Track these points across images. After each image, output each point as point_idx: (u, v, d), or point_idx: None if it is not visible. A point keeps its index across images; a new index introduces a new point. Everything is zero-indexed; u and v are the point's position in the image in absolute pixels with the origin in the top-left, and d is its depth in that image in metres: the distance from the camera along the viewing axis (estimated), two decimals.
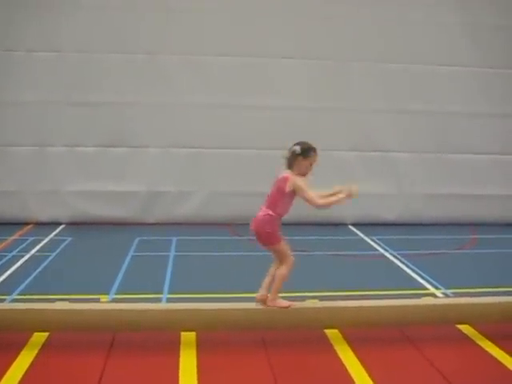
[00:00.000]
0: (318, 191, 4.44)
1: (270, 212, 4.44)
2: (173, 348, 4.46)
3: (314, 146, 4.48)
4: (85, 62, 9.25)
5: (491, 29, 9.92)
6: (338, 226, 9.51)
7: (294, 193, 4.42)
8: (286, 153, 4.49)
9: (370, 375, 4.11)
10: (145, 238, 8.57)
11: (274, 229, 4.45)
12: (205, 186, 9.64)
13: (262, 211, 4.49)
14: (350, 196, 4.43)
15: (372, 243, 8.55)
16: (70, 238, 8.41)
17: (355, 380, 4.04)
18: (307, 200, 4.37)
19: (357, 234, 9.22)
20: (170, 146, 9.57)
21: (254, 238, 4.56)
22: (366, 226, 9.62)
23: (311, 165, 4.47)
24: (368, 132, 9.61)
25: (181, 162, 9.58)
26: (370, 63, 9.73)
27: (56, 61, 9.21)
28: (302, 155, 4.43)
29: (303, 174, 4.46)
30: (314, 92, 9.64)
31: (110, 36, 9.25)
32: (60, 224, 9.31)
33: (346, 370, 4.20)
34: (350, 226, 9.75)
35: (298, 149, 4.43)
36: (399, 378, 4.12)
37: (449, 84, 9.93)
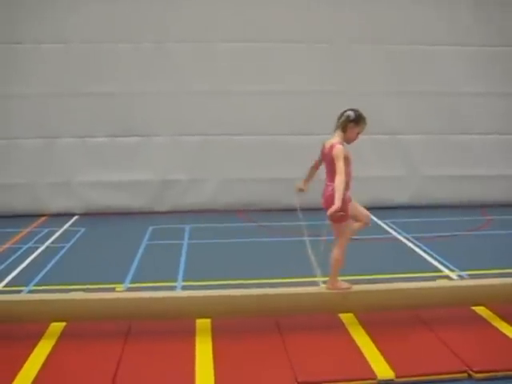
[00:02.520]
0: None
1: (334, 183, 4.35)
2: (188, 335, 4.49)
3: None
4: (92, 52, 9.23)
5: (495, 6, 9.75)
6: None
7: (348, 161, 4.40)
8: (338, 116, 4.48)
9: (385, 358, 4.12)
10: (158, 226, 8.60)
11: (346, 203, 4.38)
12: (216, 173, 9.64)
13: (328, 185, 4.46)
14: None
15: (385, 226, 8.52)
16: (83, 229, 8.46)
17: (371, 363, 4.05)
18: (337, 170, 4.31)
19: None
20: (180, 134, 9.56)
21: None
22: (378, 209, 9.54)
23: (359, 133, 4.50)
24: (376, 115, 9.42)
25: (191, 149, 9.57)
26: (374, 45, 9.61)
27: (63, 52, 9.19)
28: (355, 122, 4.45)
29: (350, 141, 4.51)
30: (323, 76, 9.56)
31: (116, 26, 9.21)
32: (73, 215, 9.36)
33: (362, 353, 4.21)
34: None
35: (352, 114, 4.45)
36: (415, 361, 4.11)
37: (456, 64, 9.79)
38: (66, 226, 8.65)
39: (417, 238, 7.74)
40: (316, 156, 4.71)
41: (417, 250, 7.28)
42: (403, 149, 9.88)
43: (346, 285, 4.65)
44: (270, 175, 9.63)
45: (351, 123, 4.44)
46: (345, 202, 4.34)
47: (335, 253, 4.56)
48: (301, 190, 4.83)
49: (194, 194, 9.64)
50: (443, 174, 9.96)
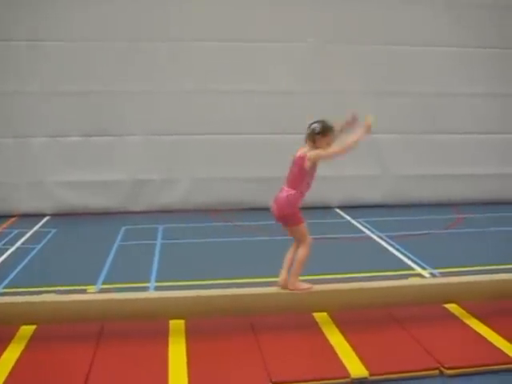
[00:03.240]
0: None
1: (293, 191, 4.45)
2: (162, 336, 4.45)
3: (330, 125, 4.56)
4: (66, 50, 9.09)
5: (474, 8, 9.90)
6: (324, 209, 9.53)
7: (315, 167, 4.48)
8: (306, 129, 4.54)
9: (358, 356, 4.14)
10: (131, 226, 8.53)
11: (296, 209, 4.48)
12: (189, 172, 9.59)
13: (284, 191, 4.50)
14: (369, 130, 4.59)
15: (359, 225, 8.58)
16: (55, 230, 8.34)
17: (344, 362, 4.07)
18: (330, 157, 4.48)
19: (343, 217, 9.25)
20: (154, 134, 9.49)
21: (277, 219, 4.55)
22: (352, 208, 9.65)
23: (329, 144, 4.53)
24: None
25: (165, 149, 9.51)
26: (352, 45, 9.66)
27: (35, 50, 9.04)
28: (322, 134, 4.49)
29: None
30: (298, 76, 9.59)
31: (91, 24, 9.09)
32: (45, 215, 9.22)
33: (335, 352, 4.22)
34: (337, 209, 9.77)
35: (317, 127, 4.49)
36: (387, 359, 4.14)
37: (432, 65, 9.92)
38: (36, 227, 8.51)
39: (390, 237, 7.80)
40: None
41: (390, 248, 7.34)
42: (377, 148, 9.95)
43: (306, 285, 4.63)
44: (244, 174, 9.63)
45: (318, 136, 4.48)
46: (296, 204, 4.44)
47: (301, 253, 4.55)
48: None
49: (167, 193, 9.59)
50: (416, 173, 10.07)
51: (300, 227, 4.53)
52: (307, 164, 4.44)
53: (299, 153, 4.51)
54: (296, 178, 4.48)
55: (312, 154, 4.44)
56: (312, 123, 4.53)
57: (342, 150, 4.50)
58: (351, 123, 4.70)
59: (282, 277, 4.63)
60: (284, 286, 4.61)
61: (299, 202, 4.49)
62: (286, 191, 4.49)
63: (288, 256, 4.66)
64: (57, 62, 9.10)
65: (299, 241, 4.59)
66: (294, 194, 4.45)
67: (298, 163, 4.48)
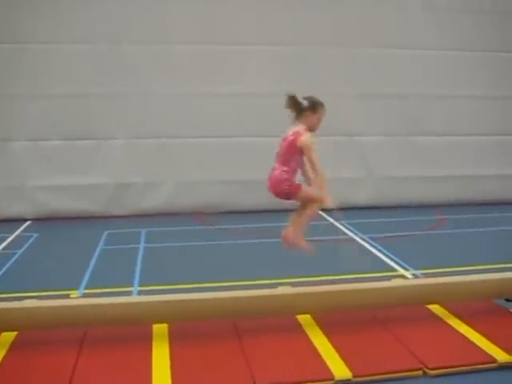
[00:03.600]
0: None
1: (285, 168, 4.40)
2: (145, 341, 4.42)
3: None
4: (46, 53, 9.00)
5: (457, 12, 10.00)
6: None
7: (302, 150, 4.38)
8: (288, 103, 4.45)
9: (342, 358, 4.15)
10: (113, 230, 8.47)
11: (292, 182, 4.41)
12: (172, 176, 9.55)
13: (276, 169, 4.45)
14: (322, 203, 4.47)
15: (342, 227, 8.60)
16: (36, 234, 8.25)
17: (328, 364, 4.07)
18: (312, 161, 4.33)
19: (326, 219, 9.26)
20: (136, 137, 9.43)
21: (277, 196, 4.51)
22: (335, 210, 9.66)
23: (319, 120, 4.45)
24: (335, 116, 9.58)
25: (147, 152, 9.46)
26: (334, 48, 9.70)
27: (16, 52, 8.94)
28: (311, 109, 4.41)
29: (313, 129, 4.45)
30: (280, 78, 9.55)
31: (71, 26, 9.01)
32: (26, 220, 9.11)
33: (319, 354, 4.22)
34: (320, 211, 9.77)
35: (306, 102, 4.41)
36: (371, 360, 4.15)
37: (414, 67, 9.99)
38: (17, 232, 8.41)
39: (373, 239, 7.84)
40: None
41: (373, 250, 7.38)
42: (360, 150, 10.00)
43: (305, 244, 4.58)
44: (227, 177, 9.61)
45: (307, 111, 4.42)
46: (290, 178, 4.41)
47: (311, 207, 4.50)
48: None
49: (150, 197, 9.53)
50: (399, 175, 10.13)
51: (302, 193, 4.45)
52: (299, 142, 4.35)
53: (291, 131, 4.44)
54: (287, 155, 4.41)
55: (306, 140, 4.33)
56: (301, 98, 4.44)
57: (319, 173, 4.37)
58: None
59: (286, 230, 4.59)
60: (285, 239, 4.59)
61: (292, 176, 4.43)
62: (278, 168, 4.43)
63: (294, 217, 4.61)
64: (38, 64, 9.00)
65: (308, 203, 4.50)
66: (286, 172, 4.40)
67: (291, 139, 4.39)
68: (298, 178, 4.60)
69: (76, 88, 9.11)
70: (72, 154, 9.26)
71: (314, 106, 4.44)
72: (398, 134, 10.12)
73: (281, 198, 4.52)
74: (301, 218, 4.57)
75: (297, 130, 4.42)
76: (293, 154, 4.41)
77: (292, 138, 4.40)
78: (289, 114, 4.53)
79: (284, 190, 4.42)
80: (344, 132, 9.69)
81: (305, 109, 4.42)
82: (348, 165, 9.81)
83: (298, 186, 4.46)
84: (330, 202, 4.33)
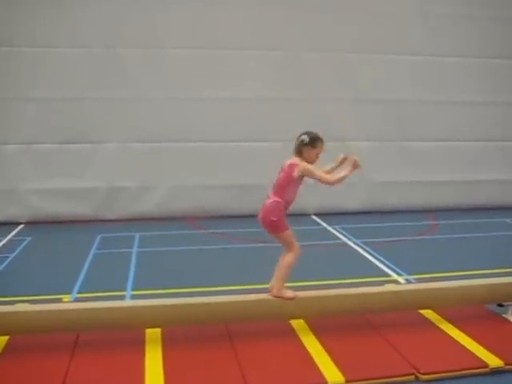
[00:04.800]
0: (322, 168, 4.60)
1: (278, 199, 4.47)
2: (138, 345, 4.41)
3: (320, 135, 4.60)
4: (41, 56, 8.99)
5: (447, 17, 10.08)
6: (300, 216, 9.55)
7: (301, 178, 4.48)
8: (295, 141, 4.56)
9: (335, 363, 4.16)
10: (106, 234, 8.45)
11: (281, 216, 4.47)
12: (165, 180, 9.54)
13: (270, 198, 4.51)
14: (356, 167, 4.70)
15: (335, 232, 8.63)
16: (29, 238, 8.23)
17: (321, 368, 4.08)
18: (319, 180, 4.48)
19: (319, 224, 9.29)
20: (129, 141, 9.42)
21: (261, 226, 4.55)
22: (328, 215, 9.70)
23: (318, 154, 4.56)
24: (327, 121, 9.63)
25: (140, 156, 9.45)
26: (326, 53, 9.74)
27: (11, 56, 8.93)
28: (311, 145, 4.51)
29: (311, 163, 4.54)
30: (272, 83, 9.63)
31: (66, 30, 9.01)
32: (19, 224, 9.08)
33: (312, 358, 4.23)
34: (313, 216, 9.81)
35: (306, 138, 4.51)
36: (364, 365, 4.17)
37: (404, 73, 10.05)
38: (10, 236, 8.38)
39: (366, 244, 7.86)
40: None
41: (366, 255, 7.40)
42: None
43: (290, 293, 4.60)
44: (220, 182, 9.62)
45: (307, 146, 4.51)
46: (280, 212, 4.45)
47: (287, 260, 4.56)
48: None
49: (143, 201, 9.52)
50: (392, 180, 10.17)
51: (285, 234, 4.52)
52: (296, 174, 4.44)
53: (289, 161, 4.52)
54: (282, 186, 4.49)
55: (305, 167, 4.45)
56: (300, 135, 4.55)
57: (333, 181, 4.52)
58: (342, 163, 4.74)
59: (272, 283, 4.64)
60: (271, 290, 4.63)
61: (283, 211, 4.49)
62: (272, 198, 4.50)
63: (278, 264, 4.65)
64: (31, 67, 8.99)
65: (287, 248, 4.58)
66: (279, 202, 4.46)
67: (287, 171, 4.48)
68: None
69: (70, 92, 9.10)
70: (66, 158, 9.24)
71: (314, 141, 4.54)
72: (391, 140, 10.17)
73: (265, 228, 4.55)
74: (280, 269, 4.58)
75: (293, 161, 4.51)
76: (289, 185, 4.48)
77: (288, 170, 4.49)
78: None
79: (271, 220, 4.45)
80: (336, 137, 9.71)
81: (304, 144, 4.51)
82: (340, 170, 9.80)
83: (284, 226, 4.50)
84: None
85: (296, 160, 4.50)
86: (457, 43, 10.17)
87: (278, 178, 4.56)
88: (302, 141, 4.51)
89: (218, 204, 9.64)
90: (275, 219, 4.45)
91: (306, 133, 4.56)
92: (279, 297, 4.58)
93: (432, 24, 10.07)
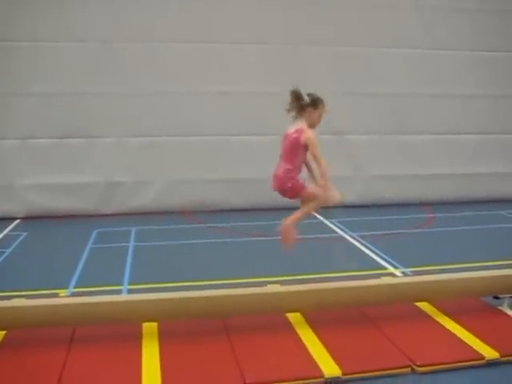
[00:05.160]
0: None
1: (289, 166, 4.45)
2: (135, 339, 4.42)
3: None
4: (37, 51, 8.94)
5: (442, 10, 10.07)
6: (296, 209, 9.55)
7: (306, 146, 4.43)
8: (289, 102, 4.49)
9: (332, 356, 4.17)
10: (103, 229, 8.44)
11: (296, 180, 4.47)
12: (162, 174, 9.53)
13: (281, 167, 4.49)
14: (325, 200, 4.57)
15: (331, 226, 8.63)
16: (25, 233, 8.21)
17: (318, 361, 4.09)
18: (316, 157, 4.39)
19: (316, 217, 9.27)
20: (126, 136, 9.39)
21: (282, 194, 4.56)
22: (324, 208, 9.68)
23: (321, 115, 4.52)
24: (325, 115, 9.61)
25: (136, 151, 9.41)
26: (322, 46, 9.71)
27: (7, 50, 8.88)
28: (313, 106, 4.47)
29: (314, 126, 4.51)
30: (269, 77, 9.59)
31: (62, 25, 8.96)
32: (15, 219, 9.05)
33: (309, 352, 4.24)
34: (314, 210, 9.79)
35: (307, 99, 4.47)
36: (360, 358, 4.17)
37: (401, 66, 10.04)
38: (6, 231, 8.36)
39: (362, 237, 7.87)
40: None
41: (362, 248, 7.41)
42: (350, 149, 10.03)
43: (293, 237, 4.63)
44: (217, 176, 9.61)
45: (309, 108, 4.47)
46: (295, 176, 4.46)
47: (310, 204, 4.57)
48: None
49: (140, 195, 9.51)
50: (388, 174, 10.17)
51: (306, 193, 4.50)
52: (302, 139, 4.39)
53: (294, 127, 4.47)
54: (290, 152, 4.45)
55: (311, 137, 4.38)
56: (294, 89, 4.50)
57: (325, 169, 4.41)
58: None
59: (290, 220, 4.63)
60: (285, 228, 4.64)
61: (296, 174, 4.48)
62: (283, 166, 4.48)
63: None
64: (28, 62, 8.95)
65: (313, 200, 4.55)
66: (290, 169, 4.45)
67: (294, 136, 4.43)
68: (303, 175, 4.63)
69: (68, 86, 9.06)
70: (62, 153, 9.22)
71: (316, 102, 4.50)
72: (388, 133, 10.17)
73: (285, 195, 4.56)
74: (297, 212, 4.60)
75: (299, 127, 4.46)
76: (296, 151, 4.45)
77: (295, 135, 4.43)
78: (286, 111, 4.52)
79: (287, 187, 4.46)
80: (333, 130, 9.70)
81: (306, 105, 4.47)
82: (337, 163, 9.75)
83: (302, 185, 4.50)
84: (336, 198, 4.38)
85: (303, 126, 4.44)
86: (453, 36, 10.16)
87: (283, 145, 4.51)
88: (303, 102, 4.44)
89: (214, 198, 9.63)
90: (290, 185, 4.45)
91: (307, 94, 4.51)
92: (285, 231, 4.58)
93: (428, 17, 10.07)
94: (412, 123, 10.25)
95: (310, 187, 4.51)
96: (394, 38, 9.98)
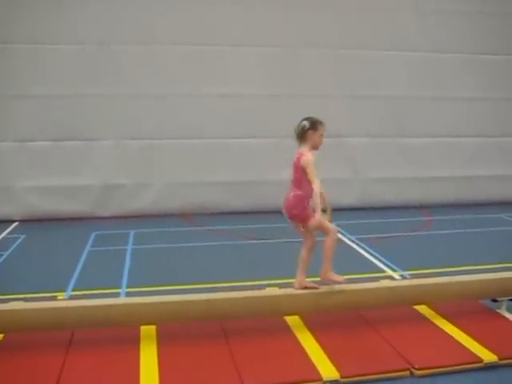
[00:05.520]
0: None
1: (299, 191, 4.52)
2: (133, 342, 4.41)
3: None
4: (34, 53, 8.96)
5: (442, 13, 10.09)
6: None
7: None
8: (295, 129, 4.61)
9: (330, 359, 4.16)
10: (101, 232, 8.43)
11: (303, 208, 4.52)
12: (160, 177, 9.53)
13: (291, 191, 4.57)
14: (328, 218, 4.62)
15: None
16: (23, 236, 8.20)
17: (316, 364, 4.08)
18: (311, 178, 4.44)
19: None
20: (125, 138, 9.40)
21: (289, 219, 4.61)
22: (323, 211, 9.67)
23: (322, 136, 4.62)
24: (325, 118, 9.57)
25: (135, 153, 9.43)
26: (323, 49, 9.74)
27: (5, 53, 8.88)
28: (312, 128, 4.57)
29: (316, 147, 4.61)
30: (269, 79, 9.62)
31: (60, 26, 8.98)
32: (13, 221, 9.04)
33: (307, 355, 4.23)
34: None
35: (306, 124, 4.59)
36: (359, 361, 4.17)
37: (400, 69, 10.06)
38: (4, 233, 8.35)
39: (360, 240, 7.87)
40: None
41: (360, 251, 7.40)
42: (349, 151, 10.03)
43: (340, 278, 4.63)
44: (216, 179, 9.61)
45: (309, 131, 4.56)
46: (303, 203, 4.52)
47: (327, 243, 4.58)
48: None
49: (138, 198, 9.50)
50: (387, 176, 10.18)
51: (313, 222, 4.52)
52: (301, 163, 4.48)
53: (297, 153, 4.57)
54: (298, 179, 4.53)
55: (308, 160, 4.45)
56: (300, 122, 4.61)
57: (316, 193, 4.41)
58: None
59: (299, 278, 4.68)
60: (301, 287, 4.66)
61: (305, 201, 4.53)
62: (292, 191, 4.55)
63: (301, 257, 4.70)
64: (27, 64, 8.96)
65: (324, 232, 4.58)
66: (299, 195, 4.51)
67: (296, 163, 4.53)
68: None
69: (64, 89, 9.07)
70: (59, 155, 9.22)
71: (315, 124, 4.60)
72: (387, 136, 10.18)
73: (294, 222, 4.62)
74: (325, 253, 4.60)
75: (300, 151, 4.56)
76: (301, 175, 4.51)
77: (297, 162, 4.53)
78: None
79: (294, 215, 4.54)
80: (331, 133, 9.66)
81: (306, 130, 4.56)
82: (335, 166, 9.82)
83: (308, 215, 4.53)
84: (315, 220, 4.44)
85: (303, 150, 4.54)
86: (453, 39, 10.19)
87: (293, 172, 4.59)
88: (304, 127, 4.57)
89: (212, 200, 9.62)
90: (299, 211, 4.51)
91: (305, 119, 4.63)
92: (327, 280, 4.61)
93: (428, 20, 10.09)
94: (412, 126, 10.26)
95: (319, 218, 4.50)
96: (394, 41, 10.00)
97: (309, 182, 4.50)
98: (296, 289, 4.69)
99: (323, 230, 4.60)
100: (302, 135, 4.58)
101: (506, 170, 10.60)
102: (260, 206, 9.25)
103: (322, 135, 4.63)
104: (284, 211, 4.61)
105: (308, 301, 4.68)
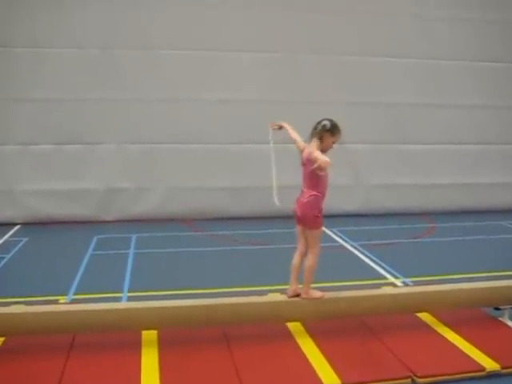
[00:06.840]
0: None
1: (314, 192, 4.45)
2: (134, 347, 4.40)
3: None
4: (37, 57, 8.97)
5: (444, 20, 10.10)
6: None
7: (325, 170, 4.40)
8: (315, 125, 4.53)
9: (331, 366, 4.15)
10: (103, 236, 8.43)
11: (318, 212, 4.48)
12: (162, 181, 9.53)
13: (305, 193, 4.49)
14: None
15: (332, 235, 8.61)
16: (25, 239, 8.20)
17: (318, 371, 4.07)
18: (317, 159, 4.25)
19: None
20: (127, 142, 9.41)
21: (298, 220, 4.56)
22: (325, 217, 9.63)
23: (334, 142, 4.56)
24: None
25: (138, 158, 9.43)
26: (323, 55, 9.74)
27: (6, 56, 8.91)
28: (330, 131, 4.49)
29: (325, 150, 4.51)
30: (270, 85, 9.63)
31: (61, 30, 9.00)
32: (15, 224, 9.04)
33: (309, 361, 4.22)
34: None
35: (327, 124, 4.50)
36: (360, 368, 4.16)
37: (401, 76, 10.05)
38: (6, 236, 8.35)
39: (363, 246, 7.86)
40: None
41: (363, 257, 7.39)
42: (350, 158, 10.02)
43: (319, 293, 4.64)
44: (217, 184, 9.61)
45: (327, 133, 4.48)
46: (318, 206, 4.49)
47: (310, 260, 4.56)
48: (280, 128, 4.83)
49: (140, 202, 9.50)
50: (389, 183, 10.17)
51: (316, 232, 4.52)
52: (313, 160, 4.35)
53: (306, 153, 4.47)
54: (311, 179, 4.46)
55: (313, 151, 4.36)
56: (321, 120, 4.52)
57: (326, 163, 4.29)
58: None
59: (292, 287, 4.66)
60: (293, 295, 4.64)
61: (321, 204, 4.49)
62: (307, 193, 4.48)
63: (295, 264, 4.67)
64: (28, 68, 8.97)
65: (309, 246, 4.54)
66: (316, 196, 4.46)
67: (308, 161, 4.43)
68: None
69: (67, 93, 9.08)
70: (62, 159, 9.22)
71: (334, 129, 4.51)
72: (388, 143, 10.17)
73: (301, 223, 4.55)
74: (305, 272, 4.58)
75: (309, 150, 4.46)
76: (316, 175, 4.42)
77: (308, 159, 4.43)
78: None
79: (313, 215, 4.47)
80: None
81: (326, 130, 4.48)
82: (337, 172, 9.75)
83: (319, 225, 4.53)
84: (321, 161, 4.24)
85: (313, 146, 4.44)
86: (454, 46, 10.20)
87: (303, 172, 4.52)
88: (324, 126, 4.48)
89: (214, 206, 9.62)
90: (312, 215, 4.45)
91: (327, 119, 4.53)
92: (309, 298, 4.59)
93: (429, 27, 10.10)
94: (413, 133, 10.26)
95: (320, 232, 4.51)
96: (396, 48, 10.01)
97: (323, 180, 4.43)
98: (289, 297, 4.65)
99: (313, 245, 4.52)
100: (319, 133, 4.48)
101: (507, 178, 10.58)
102: (260, 211, 9.24)
103: (334, 142, 4.56)
104: (296, 212, 4.52)
105: (310, 307, 4.67)
